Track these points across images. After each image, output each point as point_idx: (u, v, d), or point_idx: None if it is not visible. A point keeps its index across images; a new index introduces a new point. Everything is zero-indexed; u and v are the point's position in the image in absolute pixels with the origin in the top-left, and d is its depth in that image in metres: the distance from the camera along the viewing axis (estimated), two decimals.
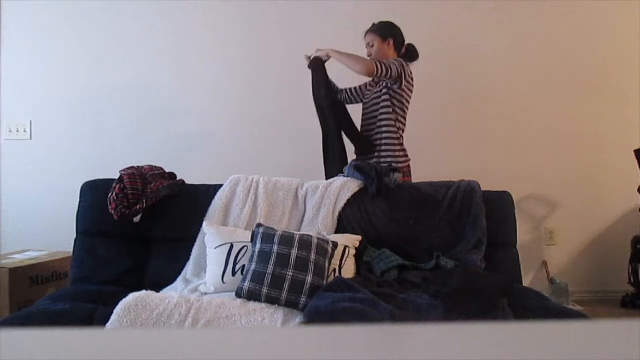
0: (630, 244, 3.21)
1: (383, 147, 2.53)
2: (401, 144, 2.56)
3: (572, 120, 3.41)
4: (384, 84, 2.53)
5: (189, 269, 2.06)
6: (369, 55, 2.62)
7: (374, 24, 2.64)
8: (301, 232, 1.99)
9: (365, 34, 2.64)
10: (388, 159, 2.49)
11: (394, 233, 2.13)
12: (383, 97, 2.52)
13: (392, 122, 2.52)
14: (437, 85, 3.37)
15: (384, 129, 2.53)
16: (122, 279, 2.05)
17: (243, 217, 2.14)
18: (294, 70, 3.38)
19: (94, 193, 2.19)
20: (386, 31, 2.61)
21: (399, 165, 2.50)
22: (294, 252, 1.77)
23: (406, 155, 2.56)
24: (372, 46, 2.62)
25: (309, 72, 3.39)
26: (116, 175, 2.18)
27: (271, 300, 1.71)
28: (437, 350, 0.42)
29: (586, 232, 3.44)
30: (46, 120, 3.36)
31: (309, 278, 1.73)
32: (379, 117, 2.54)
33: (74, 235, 2.19)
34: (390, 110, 2.51)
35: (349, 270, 1.94)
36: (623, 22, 3.39)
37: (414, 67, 2.62)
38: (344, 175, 2.33)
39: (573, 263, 3.44)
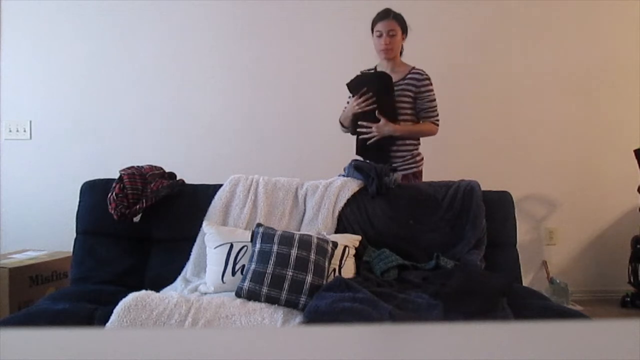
0: (630, 244, 3.21)
1: (402, 151, 2.51)
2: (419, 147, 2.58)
3: (572, 120, 3.40)
4: (408, 92, 2.48)
5: (189, 269, 2.06)
6: (386, 45, 2.44)
7: (391, 11, 2.47)
8: (301, 232, 1.99)
9: (380, 20, 2.45)
10: (407, 162, 2.49)
11: (394, 233, 2.12)
12: (406, 104, 2.49)
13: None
14: (436, 86, 3.36)
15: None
16: (122, 279, 2.05)
17: (243, 217, 2.14)
18: (295, 71, 3.39)
19: (94, 193, 2.19)
20: (405, 24, 2.50)
21: (420, 168, 2.53)
22: (294, 252, 1.77)
23: (422, 158, 2.58)
24: (393, 35, 2.44)
25: (309, 72, 3.40)
26: (116, 175, 2.18)
27: (271, 300, 1.71)
28: (437, 350, 0.42)
29: (586, 232, 3.44)
30: (46, 120, 3.36)
31: (309, 278, 1.73)
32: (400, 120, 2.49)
33: (74, 235, 2.19)
34: (414, 117, 2.53)
35: (349, 270, 1.94)
36: (623, 22, 3.39)
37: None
38: (343, 175, 2.33)
39: (573, 263, 3.44)
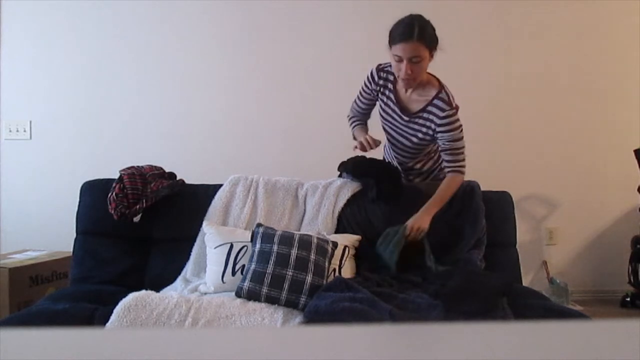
0: (630, 244, 3.21)
1: (437, 157, 2.31)
2: None
3: (572, 120, 3.41)
4: (427, 130, 2.07)
5: (189, 269, 2.06)
6: (407, 74, 1.88)
7: (415, 28, 1.83)
8: (301, 232, 1.99)
9: (400, 42, 1.84)
10: (434, 172, 2.33)
11: None
12: (424, 141, 2.14)
13: None
14: None
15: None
16: (122, 279, 2.05)
17: (243, 217, 2.14)
18: (295, 71, 3.39)
19: (94, 193, 2.19)
20: (434, 39, 1.89)
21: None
22: (294, 252, 1.77)
23: None
24: (417, 62, 1.86)
25: (310, 71, 3.40)
26: (116, 175, 2.18)
27: (271, 300, 1.71)
28: (437, 350, 0.42)
29: (586, 232, 3.44)
30: (46, 120, 3.36)
31: (309, 278, 1.73)
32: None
33: (74, 235, 2.19)
34: (434, 154, 2.27)
35: (349, 270, 1.94)
36: (623, 22, 3.39)
37: None
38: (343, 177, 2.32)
39: (573, 263, 3.44)
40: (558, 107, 3.40)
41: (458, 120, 2.00)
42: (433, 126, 2.02)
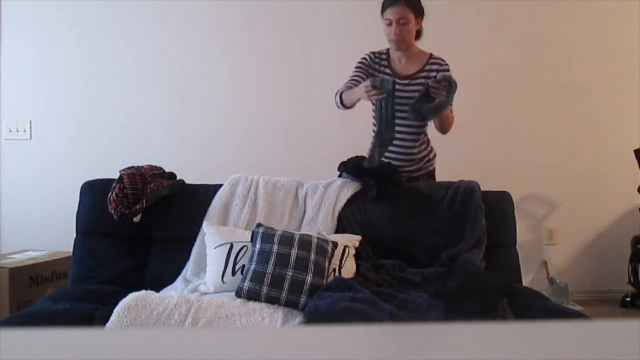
0: (630, 244, 3.21)
1: (430, 147, 2.36)
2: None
3: (572, 120, 3.40)
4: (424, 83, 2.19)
5: (189, 269, 2.06)
6: (397, 35, 2.13)
7: None
8: (301, 232, 1.99)
9: (389, 6, 2.12)
10: (425, 161, 2.34)
11: (394, 233, 2.13)
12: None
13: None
14: None
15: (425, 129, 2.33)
16: (122, 279, 2.05)
17: (243, 217, 2.14)
18: (295, 71, 3.39)
19: (94, 193, 2.19)
20: (420, 7, 2.15)
21: (434, 166, 2.38)
22: (294, 252, 1.77)
23: (435, 155, 2.40)
24: (404, 24, 2.11)
25: (310, 71, 3.40)
26: (116, 175, 2.18)
27: (271, 300, 1.71)
28: (437, 350, 0.42)
29: (586, 232, 3.44)
30: (46, 120, 3.36)
31: (309, 278, 1.73)
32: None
33: (74, 235, 2.19)
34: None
35: (349, 270, 1.94)
36: (623, 22, 3.39)
37: None
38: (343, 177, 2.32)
39: (573, 263, 3.44)
40: (558, 107, 3.40)
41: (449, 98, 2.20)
42: (432, 81, 2.18)
